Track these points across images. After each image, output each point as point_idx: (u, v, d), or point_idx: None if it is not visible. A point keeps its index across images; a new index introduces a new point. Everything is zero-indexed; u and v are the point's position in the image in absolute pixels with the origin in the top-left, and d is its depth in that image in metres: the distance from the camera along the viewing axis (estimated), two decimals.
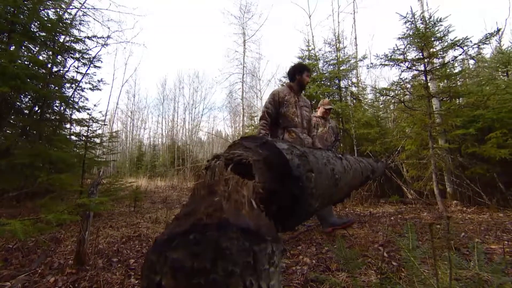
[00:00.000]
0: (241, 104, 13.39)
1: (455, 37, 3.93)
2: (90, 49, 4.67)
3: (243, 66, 13.76)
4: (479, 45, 3.69)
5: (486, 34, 3.46)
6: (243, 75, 13.59)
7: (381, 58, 4.01)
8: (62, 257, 2.04)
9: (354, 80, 7.01)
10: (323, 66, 6.90)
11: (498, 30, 3.54)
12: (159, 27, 50.08)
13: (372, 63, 4.13)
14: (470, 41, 3.67)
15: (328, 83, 6.34)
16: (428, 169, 4.66)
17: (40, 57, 4.18)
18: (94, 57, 4.57)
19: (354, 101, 6.17)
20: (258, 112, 14.34)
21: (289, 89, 2.63)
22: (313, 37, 9.09)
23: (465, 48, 3.70)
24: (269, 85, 16.06)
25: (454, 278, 1.35)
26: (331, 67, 6.68)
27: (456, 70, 5.67)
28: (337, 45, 7.13)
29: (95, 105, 3.66)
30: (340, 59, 6.46)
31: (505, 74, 5.43)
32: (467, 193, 4.56)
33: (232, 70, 14.08)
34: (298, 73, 2.63)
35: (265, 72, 45.55)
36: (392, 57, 3.99)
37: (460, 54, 3.92)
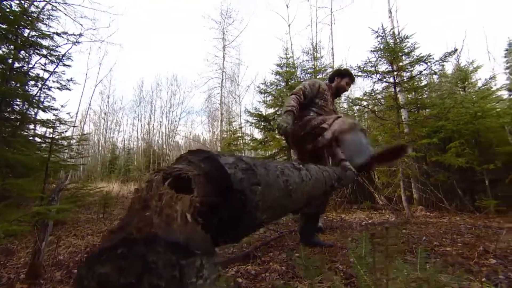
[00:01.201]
0: (219, 109, 13.32)
1: (420, 53, 4.21)
2: (60, 46, 4.43)
3: (223, 71, 13.75)
4: (439, 62, 3.97)
5: (445, 53, 3.75)
6: (222, 80, 13.57)
7: (354, 69, 4.19)
8: (13, 271, 1.88)
9: None
10: (300, 74, 7.07)
11: (455, 50, 3.86)
12: (137, 28, 48.78)
13: None
14: (433, 57, 3.95)
15: None
16: (397, 176, 4.89)
17: None
18: (63, 55, 4.34)
19: None
20: (236, 118, 14.33)
21: (328, 88, 2.45)
22: (291, 45, 9.32)
23: (428, 63, 3.97)
24: (248, 91, 16.17)
25: (412, 281, 1.42)
26: (308, 75, 6.86)
27: (423, 84, 6.04)
28: (315, 55, 7.36)
29: (62, 106, 3.45)
30: (317, 68, 6.66)
31: (462, 90, 5.87)
32: (430, 198, 4.84)
33: (211, 75, 14.01)
34: (338, 76, 2.47)
35: (245, 78, 45.94)
36: (365, 68, 4.19)
37: (424, 69, 4.20)
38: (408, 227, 3.26)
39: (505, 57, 15.63)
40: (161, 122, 21.96)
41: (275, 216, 0.62)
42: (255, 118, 7.05)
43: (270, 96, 7.00)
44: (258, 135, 9.52)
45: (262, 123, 7.00)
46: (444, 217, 4.10)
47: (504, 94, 7.42)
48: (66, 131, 3.87)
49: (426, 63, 4.04)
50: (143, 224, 0.27)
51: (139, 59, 48.27)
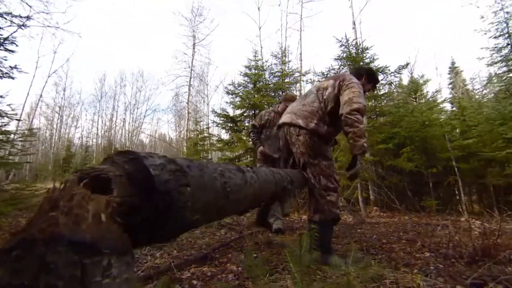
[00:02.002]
0: (186, 108, 13.00)
1: (378, 64, 4.54)
2: (1, 28, 3.96)
3: (191, 70, 13.46)
4: (394, 74, 4.31)
5: (399, 66, 4.09)
6: (190, 78, 13.28)
7: (318, 75, 4.37)
8: None
9: (297, 93, 7.46)
10: (269, 77, 7.18)
11: (407, 64, 4.23)
12: (101, 19, 45.84)
13: (311, 79, 4.47)
14: (389, 69, 4.28)
15: (273, 94, 6.62)
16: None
17: None
18: (6, 39, 3.88)
19: None
20: (204, 118, 14.11)
21: None
22: (261, 48, 9.43)
23: (385, 74, 4.29)
24: (217, 91, 16.01)
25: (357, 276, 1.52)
26: (276, 78, 7.00)
27: (382, 92, 6.50)
28: (283, 59, 7.53)
29: (1, 96, 3.08)
30: (285, 72, 6.83)
31: (414, 100, 6.42)
32: (384, 200, 5.21)
33: (180, 73, 13.62)
34: (367, 78, 2.17)
35: (214, 78, 45.42)
36: (328, 75, 4.38)
37: (382, 79, 4.52)
38: (363, 226, 3.46)
39: (448, 73, 17.45)
40: (124, 119, 20.84)
41: (211, 217, 0.62)
42: (222, 118, 7.00)
43: (238, 98, 7.01)
44: (225, 135, 9.48)
45: (229, 124, 6.98)
46: (395, 217, 4.44)
47: (447, 106, 8.27)
48: (6, 125, 3.47)
49: (383, 74, 4.35)
50: (47, 224, 0.27)
51: (102, 51, 45.34)
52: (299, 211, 4.56)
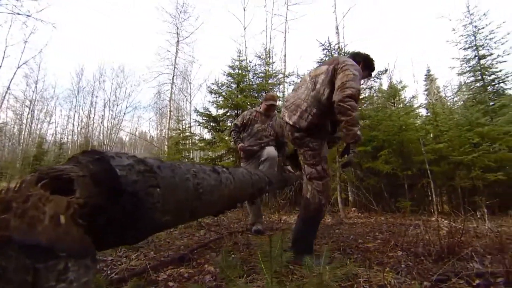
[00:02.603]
0: (168, 106, 12.75)
1: None
2: None
3: (174, 67, 13.22)
4: (374, 79, 4.46)
5: (378, 71, 4.24)
6: (173, 76, 13.04)
7: (301, 78, 4.42)
8: None
9: (280, 94, 7.54)
10: (252, 78, 7.20)
11: (386, 70, 4.40)
12: (79, 10, 43.92)
13: (293, 81, 4.52)
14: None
15: (256, 95, 6.64)
16: (335, 180, 5.31)
17: None
18: None
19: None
20: (186, 116, 13.91)
21: None
22: (246, 48, 9.43)
23: (365, 79, 4.42)
24: (200, 89, 15.82)
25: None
26: (260, 79, 7.03)
27: (362, 96, 6.69)
28: (267, 60, 7.57)
29: None
30: (268, 73, 6.87)
31: (393, 105, 6.68)
32: (362, 201, 5.38)
33: (162, 70, 13.32)
34: (364, 64, 2.13)
35: (197, 76, 44.75)
36: None
37: (362, 83, 4.65)
38: (341, 227, 3.56)
39: (424, 80, 18.34)
40: (103, 115, 20.07)
41: (184, 218, 0.62)
42: (204, 118, 6.93)
43: (221, 97, 6.97)
44: (208, 135, 9.39)
45: (211, 124, 6.92)
46: (372, 217, 4.59)
47: (422, 111, 8.67)
48: None
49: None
50: None
51: (80, 44, 43.43)
52: (279, 211, 4.61)
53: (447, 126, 5.97)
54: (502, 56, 7.16)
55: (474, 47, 7.56)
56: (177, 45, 13.94)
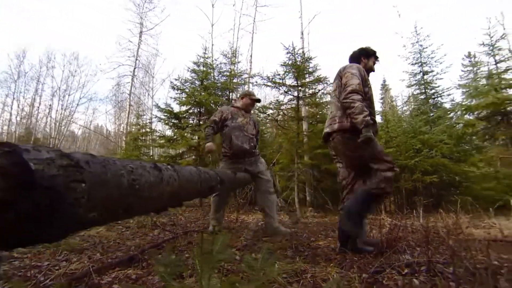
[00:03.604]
0: (128, 99, 12.05)
1: (320, 74, 4.90)
2: None
3: (136, 59, 12.53)
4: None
5: None
6: (135, 68, 12.35)
7: (264, 79, 4.51)
8: None
9: None
10: (217, 76, 7.13)
11: None
12: None
13: (256, 82, 4.58)
14: (329, 80, 4.66)
15: (220, 93, 6.59)
16: (293, 180, 5.49)
17: None
18: None
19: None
20: (147, 111, 13.27)
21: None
22: (212, 46, 9.28)
23: (325, 84, 4.66)
24: (163, 84, 15.21)
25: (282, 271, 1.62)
26: (224, 78, 6.99)
27: (324, 100, 7.02)
28: (233, 59, 7.55)
29: None
30: (233, 72, 6.86)
31: None
32: (319, 201, 5.64)
33: (123, 61, 12.52)
34: (365, 57, 2.29)
35: (161, 70, 42.93)
36: (273, 80, 4.56)
37: (322, 88, 4.89)
38: (297, 226, 3.69)
39: (380, 90, 19.89)
40: (51, 105, 18.15)
41: (116, 215, 0.59)
42: (165, 114, 6.68)
43: (184, 94, 6.78)
44: (169, 132, 9.08)
45: (173, 121, 6.70)
46: (327, 217, 4.83)
47: (378, 118, 9.38)
48: None
49: (323, 84, 4.72)
50: None
51: (22, 22, 38.86)
52: (238, 211, 4.62)
53: (396, 132, 6.53)
54: (440, 74, 8.10)
55: (420, 63, 8.42)
56: (140, 36, 13.24)
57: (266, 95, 16.15)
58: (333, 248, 2.29)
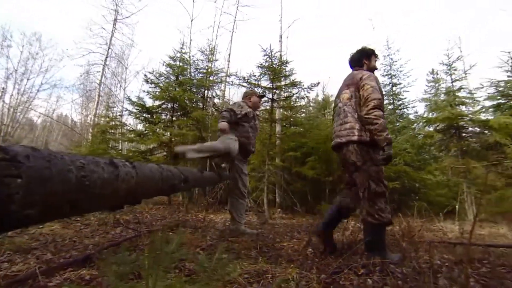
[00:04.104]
0: (98, 89, 11.40)
1: (295, 79, 5.00)
2: None
3: (109, 48, 11.89)
4: (307, 89, 4.85)
5: (311, 83, 4.63)
6: (106, 57, 11.70)
7: (240, 79, 4.50)
8: None
9: (219, 93, 7.52)
10: (193, 72, 6.99)
11: (318, 83, 4.83)
12: None
13: (232, 81, 4.57)
14: (303, 84, 4.77)
15: (195, 90, 6.47)
16: (263, 181, 5.54)
17: None
18: None
19: (215, 112, 6.60)
20: (118, 104, 12.66)
21: None
22: (190, 41, 9.08)
23: (299, 88, 4.77)
24: (137, 77, 14.60)
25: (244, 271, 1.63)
26: (201, 75, 6.87)
27: (298, 104, 7.17)
28: (210, 57, 7.45)
29: None
30: (210, 70, 6.77)
31: (323, 115, 7.35)
32: (288, 203, 5.75)
33: (93, 48, 11.81)
34: (367, 58, 2.27)
35: (135, 62, 41.15)
36: (249, 80, 4.57)
37: (296, 92, 5.00)
38: (264, 227, 3.72)
39: None
40: (4, 89, 16.52)
41: (60, 212, 0.57)
42: (137, 108, 6.42)
43: (158, 88, 6.56)
44: (140, 126, 8.74)
45: (145, 115, 6.46)
46: (295, 218, 4.94)
47: None
48: None
49: (298, 88, 4.82)
50: None
51: None
52: (207, 210, 4.57)
53: None
54: (407, 87, 8.68)
55: (390, 75, 8.94)
56: (114, 24, 12.58)
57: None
58: (297, 249, 2.34)
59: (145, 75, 6.59)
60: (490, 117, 6.19)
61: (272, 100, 4.96)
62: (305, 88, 4.84)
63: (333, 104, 2.40)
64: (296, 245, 2.50)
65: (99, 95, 11.34)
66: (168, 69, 6.67)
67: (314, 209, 5.77)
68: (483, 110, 6.60)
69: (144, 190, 0.96)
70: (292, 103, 6.36)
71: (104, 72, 11.86)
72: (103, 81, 12.18)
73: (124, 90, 13.53)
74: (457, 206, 4.41)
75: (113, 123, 8.64)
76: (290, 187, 5.87)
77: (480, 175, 6.07)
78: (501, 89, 6.28)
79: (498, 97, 6.05)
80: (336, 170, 6.30)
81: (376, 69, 2.36)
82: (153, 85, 6.60)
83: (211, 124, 5.85)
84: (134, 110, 6.54)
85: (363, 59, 2.28)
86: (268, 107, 5.30)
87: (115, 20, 12.66)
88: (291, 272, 1.61)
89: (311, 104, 10.58)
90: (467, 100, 6.78)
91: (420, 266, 1.74)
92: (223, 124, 2.77)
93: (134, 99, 6.42)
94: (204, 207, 4.65)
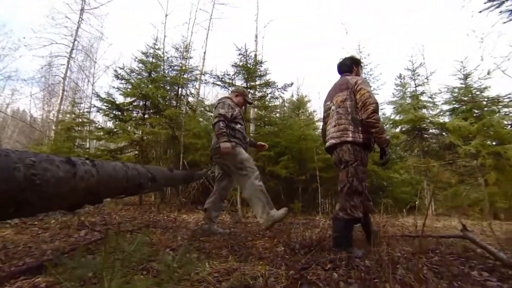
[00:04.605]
0: (62, 84, 10.67)
1: (270, 79, 5.06)
2: None
3: (75, 40, 11.16)
4: (281, 90, 4.92)
5: (285, 84, 4.71)
6: (72, 49, 10.98)
7: (214, 78, 4.46)
8: None
9: (193, 91, 7.38)
10: (167, 70, 6.80)
11: (292, 83, 4.93)
12: None
13: (206, 80, 4.51)
14: (277, 85, 4.84)
15: (168, 88, 6.30)
16: None
17: None
18: None
19: (189, 110, 6.48)
20: (86, 100, 11.96)
21: None
22: (164, 37, 8.81)
23: (273, 88, 4.83)
24: (107, 72, 13.88)
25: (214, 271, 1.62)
26: (174, 72, 6.70)
27: (272, 104, 7.24)
28: (185, 54, 7.29)
29: None
30: (184, 68, 6.62)
31: (297, 115, 7.51)
32: None
33: (57, 39, 11.01)
34: (356, 65, 2.43)
35: (105, 56, 39.14)
36: (223, 79, 4.54)
37: (270, 92, 5.05)
38: (237, 225, 3.73)
39: None
40: None
41: (4, 213, 0.53)
42: (106, 104, 6.11)
43: (129, 85, 6.30)
44: (110, 124, 8.34)
45: (114, 112, 6.17)
46: None
47: (320, 124, 10.10)
48: None
49: (272, 88, 4.88)
50: None
51: None
52: (180, 210, 4.48)
53: None
54: (376, 90, 9.10)
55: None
56: (81, 14, 11.82)
57: (218, 93, 15.97)
58: (268, 247, 2.37)
59: (115, 71, 6.30)
60: (446, 120, 6.73)
61: None
62: (279, 88, 4.91)
63: (323, 108, 2.48)
64: (268, 243, 2.53)
65: (63, 90, 10.62)
66: (140, 65, 6.43)
67: (287, 207, 5.87)
68: (441, 113, 7.15)
69: (106, 189, 0.93)
70: (266, 103, 6.42)
71: (69, 66, 11.13)
72: (69, 75, 11.44)
73: (92, 85, 12.79)
74: (417, 202, 4.73)
75: (80, 120, 8.15)
76: (264, 186, 5.92)
77: (437, 173, 6.57)
78: (455, 95, 6.84)
79: (453, 102, 6.57)
80: (309, 169, 6.48)
81: (361, 68, 2.55)
82: (124, 81, 6.33)
83: (185, 122, 5.73)
84: (103, 107, 6.22)
85: (353, 66, 2.42)
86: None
87: (82, 10, 11.91)
88: (261, 269, 1.63)
89: (286, 104, 10.77)
90: (428, 104, 7.30)
91: (382, 258, 1.86)
92: (227, 146, 2.58)
93: (103, 96, 6.10)
94: (177, 207, 4.55)
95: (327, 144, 2.27)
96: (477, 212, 5.79)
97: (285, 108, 9.88)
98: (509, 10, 1.48)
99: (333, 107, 2.23)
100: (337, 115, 2.16)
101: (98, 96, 6.08)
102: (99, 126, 7.15)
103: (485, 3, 1.53)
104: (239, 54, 5.03)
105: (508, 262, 1.62)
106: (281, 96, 5.96)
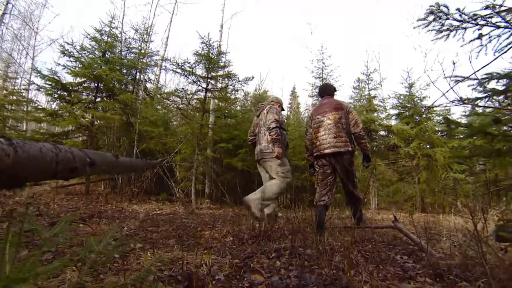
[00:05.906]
0: None
1: (232, 70, 5.03)
2: None
3: (8, 2, 9.73)
4: (242, 83, 4.93)
5: (246, 77, 4.73)
6: (4, 13, 9.57)
7: (173, 65, 4.29)
8: None
9: (153, 77, 7.02)
10: (124, 51, 6.34)
11: (253, 77, 4.97)
12: None
13: (165, 66, 4.32)
14: (238, 77, 4.83)
15: (125, 71, 5.88)
16: (191, 171, 5.46)
17: None
18: None
19: (147, 97, 6.15)
20: (24, 75, 10.59)
21: None
22: (124, 16, 8.16)
23: (234, 80, 4.81)
24: (53, 46, 12.42)
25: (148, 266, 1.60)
26: (133, 55, 6.28)
27: (233, 96, 7.21)
28: (145, 37, 6.87)
29: None
30: (143, 51, 6.24)
31: (257, 109, 7.60)
32: (218, 193, 5.81)
33: None
34: (334, 91, 3.17)
35: (49, 28, 34.79)
36: (183, 67, 4.39)
37: (231, 84, 5.03)
38: (190, 216, 3.69)
39: (290, 95, 22.00)
40: None
41: None
42: (49, 83, 5.49)
43: (79, 63, 5.73)
44: (54, 105, 7.52)
45: (59, 92, 5.59)
46: (222, 209, 5.02)
47: None
48: None
49: (233, 80, 4.86)
50: None
51: None
52: (131, 200, 4.27)
53: (294, 135, 7.37)
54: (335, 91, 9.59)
55: (321, 78, 9.75)
56: None
57: (180, 82, 15.40)
58: (217, 237, 2.40)
59: (62, 46, 5.66)
60: (393, 123, 7.41)
61: (206, 89, 4.88)
62: (240, 81, 4.91)
63: (311, 119, 2.96)
64: (217, 233, 2.55)
65: None
66: (93, 43, 5.88)
67: (242, 200, 5.96)
68: (389, 117, 7.84)
69: (28, 172, 0.86)
70: (228, 95, 6.38)
71: (1, 33, 9.72)
72: (0, 43, 9.99)
73: (32, 59, 11.33)
74: (365, 199, 5.15)
75: (14, 97, 7.21)
76: (220, 178, 5.93)
77: (382, 171, 7.23)
78: (401, 101, 7.55)
79: (399, 107, 7.25)
80: None
81: None
82: (72, 59, 5.73)
83: (142, 109, 5.43)
84: (46, 85, 5.57)
85: (334, 91, 3.16)
86: (201, 97, 5.20)
87: None
88: (205, 258, 1.65)
89: (249, 98, 10.83)
90: (379, 107, 7.95)
91: (324, 248, 2.01)
92: (281, 152, 3.00)
93: (46, 72, 5.46)
94: (128, 197, 4.33)
95: (330, 150, 2.72)
96: (410, 206, 6.52)
97: (248, 102, 9.93)
98: (435, 30, 1.69)
99: (328, 121, 2.80)
100: (337, 129, 2.74)
101: (38, 72, 5.43)
102: (40, 107, 6.42)
103: (417, 20, 1.72)
104: (202, 43, 4.89)
105: (421, 246, 1.87)
106: (242, 89, 5.98)
